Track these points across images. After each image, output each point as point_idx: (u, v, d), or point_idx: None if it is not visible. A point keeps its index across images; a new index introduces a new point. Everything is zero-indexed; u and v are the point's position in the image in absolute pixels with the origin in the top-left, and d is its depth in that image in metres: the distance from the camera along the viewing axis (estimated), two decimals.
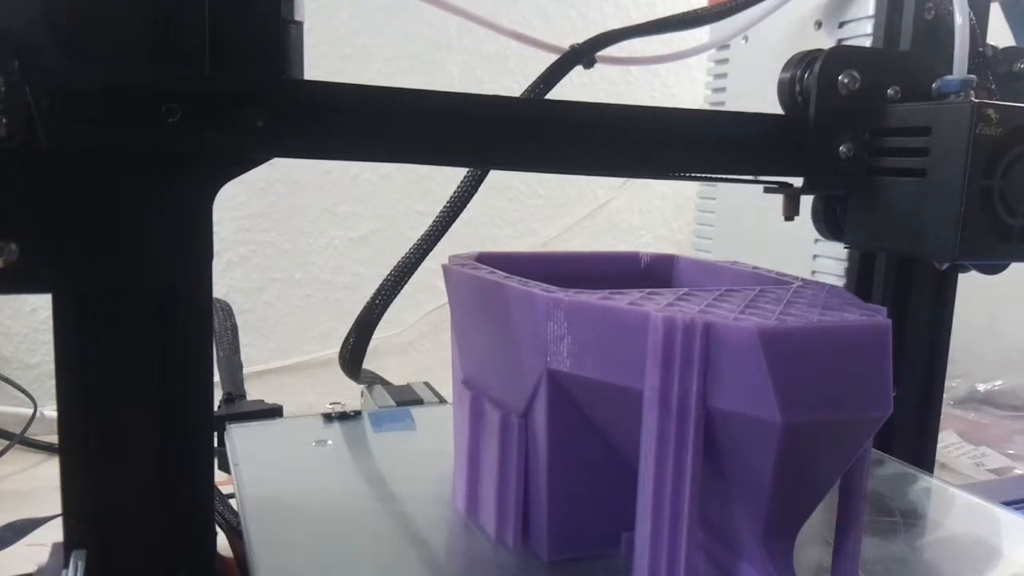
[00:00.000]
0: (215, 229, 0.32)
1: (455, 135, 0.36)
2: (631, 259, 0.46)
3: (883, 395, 0.27)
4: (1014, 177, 0.40)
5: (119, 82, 0.29)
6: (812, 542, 0.36)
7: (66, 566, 0.31)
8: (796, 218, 0.47)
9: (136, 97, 0.29)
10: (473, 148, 0.37)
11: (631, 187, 1.12)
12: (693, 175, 0.43)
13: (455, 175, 0.53)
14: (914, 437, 0.55)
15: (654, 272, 0.45)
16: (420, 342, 1.01)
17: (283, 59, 0.32)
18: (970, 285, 0.59)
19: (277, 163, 1.01)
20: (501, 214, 1.03)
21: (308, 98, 0.33)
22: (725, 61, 0.74)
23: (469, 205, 0.52)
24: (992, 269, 0.46)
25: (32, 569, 0.36)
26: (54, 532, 0.32)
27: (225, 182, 0.32)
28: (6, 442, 0.74)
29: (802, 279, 0.37)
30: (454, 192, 0.51)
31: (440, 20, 0.96)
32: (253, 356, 0.91)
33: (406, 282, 0.54)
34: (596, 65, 0.51)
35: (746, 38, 0.70)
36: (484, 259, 0.41)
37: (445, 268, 0.40)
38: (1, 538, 0.59)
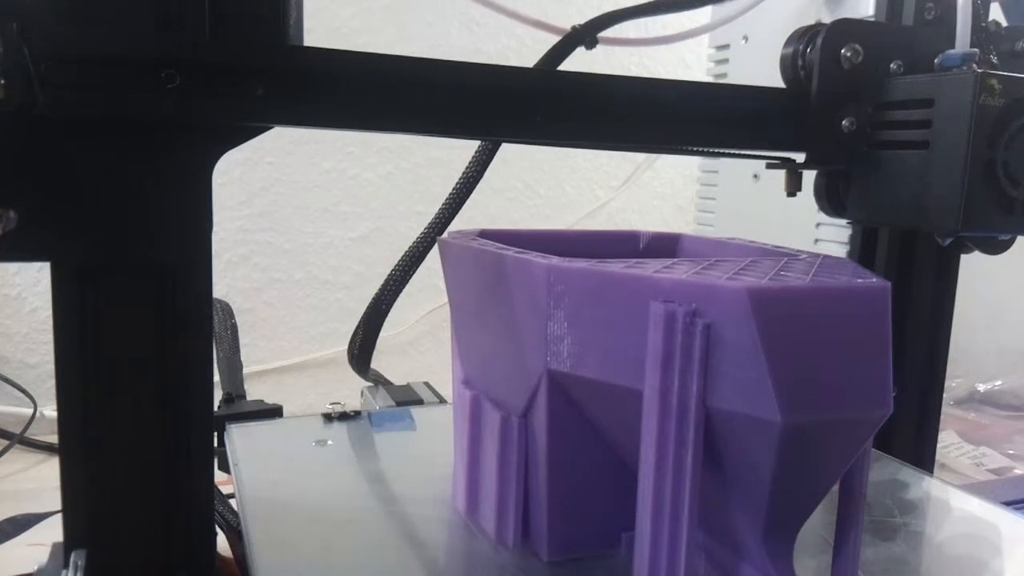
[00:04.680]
0: (215, 229, 0.32)
1: (460, 105, 0.35)
2: (635, 237, 0.46)
3: (883, 376, 0.27)
4: (1017, 149, 0.39)
5: (118, 47, 0.29)
6: (812, 542, 0.36)
7: (66, 566, 0.31)
8: (799, 205, 0.47)
9: (135, 63, 0.29)
10: (478, 119, 0.36)
11: (631, 187, 1.12)
12: (695, 148, 0.42)
13: (454, 175, 0.53)
14: (914, 437, 0.55)
15: (658, 250, 0.45)
16: (420, 342, 1.01)
17: (283, 26, 0.32)
18: (971, 284, 0.58)
19: (277, 163, 1.01)
20: (501, 214, 1.03)
21: (309, 66, 0.32)
22: (725, 61, 0.74)
23: (469, 205, 0.53)
24: (995, 248, 0.46)
25: (32, 569, 0.35)
26: (55, 528, 0.32)
27: (225, 150, 0.32)
28: (6, 442, 0.74)
29: (809, 252, 0.37)
30: (459, 180, 0.51)
31: (440, 19, 0.96)
32: (253, 356, 0.91)
33: (414, 272, 0.55)
34: (598, 62, 0.51)
35: (746, 38, 0.70)
36: (485, 236, 0.40)
37: (442, 242, 0.40)
38: (2, 532, 0.59)
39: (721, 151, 0.43)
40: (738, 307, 0.25)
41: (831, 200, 0.47)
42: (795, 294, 0.26)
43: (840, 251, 0.58)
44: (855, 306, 0.26)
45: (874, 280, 0.27)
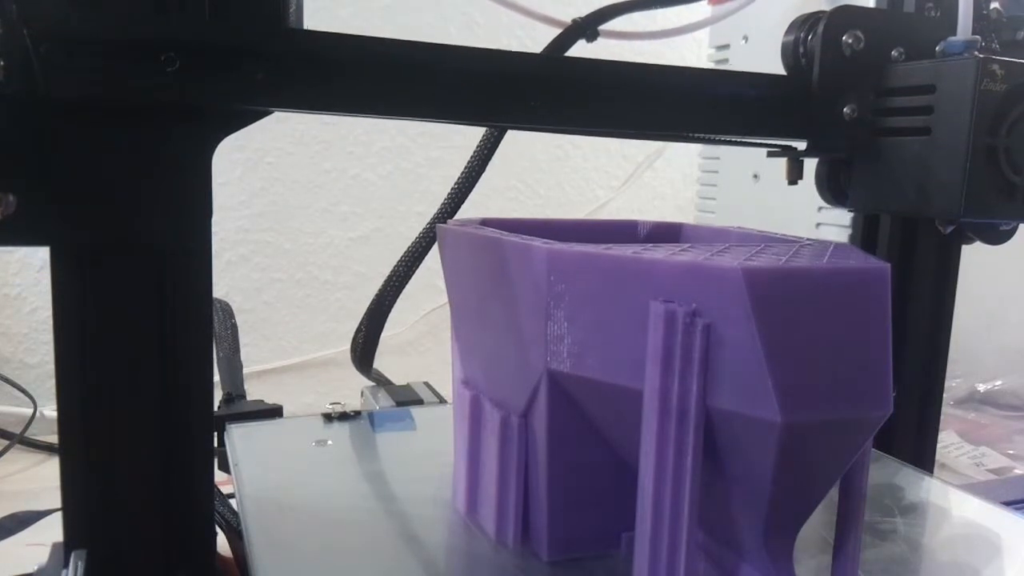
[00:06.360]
0: (215, 229, 0.32)
1: (461, 89, 0.35)
2: (636, 227, 0.46)
3: (883, 375, 0.27)
4: (1019, 135, 0.39)
5: (118, 29, 0.29)
6: (812, 542, 0.36)
7: (66, 566, 0.31)
8: (799, 205, 0.47)
9: (135, 45, 0.29)
10: (478, 103, 0.36)
11: (631, 187, 1.12)
12: (696, 135, 0.42)
13: (455, 175, 0.53)
14: (914, 437, 0.55)
15: (660, 239, 0.45)
16: (420, 342, 1.01)
17: (284, 11, 0.32)
18: (971, 284, 0.58)
19: (277, 163, 1.01)
20: (501, 214, 1.03)
21: (310, 49, 0.32)
22: (725, 61, 0.74)
23: (469, 205, 0.53)
24: (996, 238, 0.45)
25: (32, 569, 0.36)
26: (55, 526, 0.32)
27: (225, 135, 0.32)
28: (6, 442, 0.74)
29: (812, 240, 0.37)
30: (462, 173, 0.51)
31: (440, 20, 0.96)
32: (253, 356, 0.91)
33: (416, 268, 0.54)
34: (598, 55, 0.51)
35: (746, 38, 0.70)
36: (487, 224, 0.40)
37: (441, 229, 0.40)
38: (3, 528, 0.59)
39: (722, 138, 0.43)
40: (734, 288, 0.25)
41: (832, 188, 0.47)
42: (791, 274, 0.26)
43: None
44: (854, 287, 0.26)
45: (874, 261, 0.27)
